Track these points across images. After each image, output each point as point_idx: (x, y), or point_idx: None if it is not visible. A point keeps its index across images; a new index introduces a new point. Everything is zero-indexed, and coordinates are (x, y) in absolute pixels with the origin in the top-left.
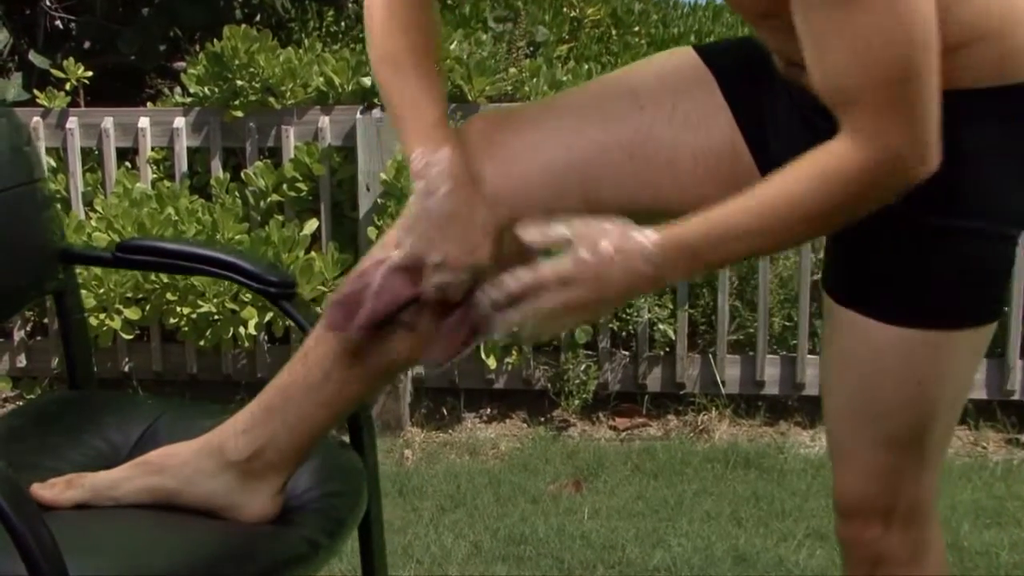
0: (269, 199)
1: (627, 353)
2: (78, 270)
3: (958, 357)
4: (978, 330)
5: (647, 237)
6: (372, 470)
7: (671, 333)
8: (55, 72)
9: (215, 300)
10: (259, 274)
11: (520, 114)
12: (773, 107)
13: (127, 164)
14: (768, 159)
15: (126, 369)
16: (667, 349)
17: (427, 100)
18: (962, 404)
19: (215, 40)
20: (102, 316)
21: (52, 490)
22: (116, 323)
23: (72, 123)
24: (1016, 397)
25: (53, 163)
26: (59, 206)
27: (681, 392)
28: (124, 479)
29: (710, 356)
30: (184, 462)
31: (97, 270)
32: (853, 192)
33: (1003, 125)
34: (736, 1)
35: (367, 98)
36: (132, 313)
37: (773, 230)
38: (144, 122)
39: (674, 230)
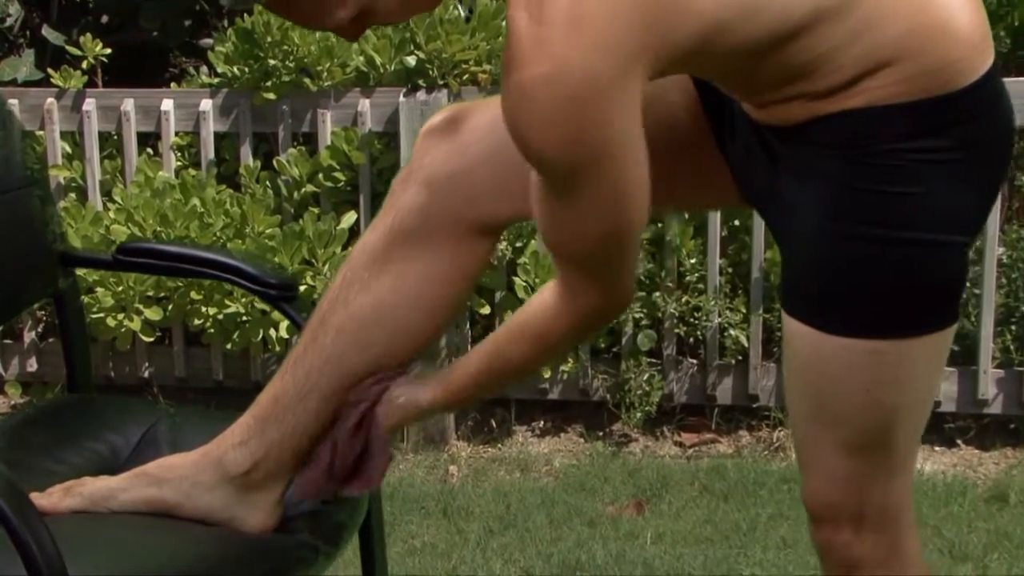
0: (303, 190)
1: (695, 361)
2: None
3: (909, 364)
4: (928, 337)
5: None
6: None
7: (744, 339)
8: (71, 49)
9: (243, 300)
10: (259, 277)
11: (491, 111)
12: (731, 108)
13: (149, 151)
14: (728, 155)
15: (146, 374)
16: (739, 357)
17: None
18: (927, 409)
19: (245, 15)
20: (120, 316)
21: (50, 498)
22: (135, 324)
23: (89, 105)
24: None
25: (68, 149)
26: (74, 196)
27: (755, 405)
28: (121, 489)
29: None
30: (183, 475)
31: None
32: (562, 343)
33: (932, 137)
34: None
35: (411, 79)
36: (153, 313)
37: (490, 385)
38: (167, 105)
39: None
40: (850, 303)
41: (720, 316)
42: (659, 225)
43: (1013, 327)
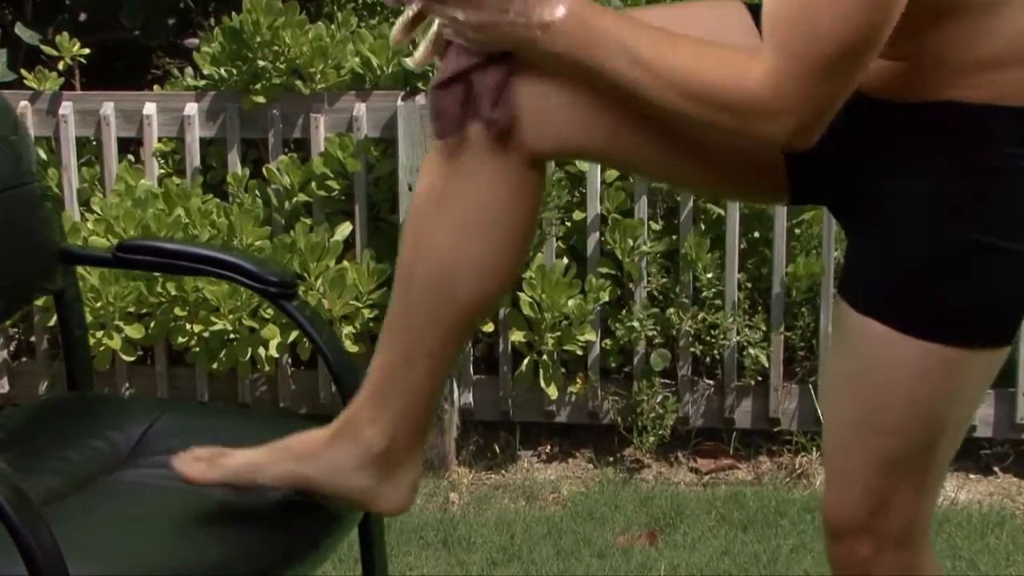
0: (295, 199)
1: (711, 382)
2: None
3: (973, 377)
4: (996, 351)
5: None
6: None
7: (764, 359)
8: (46, 49)
9: (231, 316)
10: (259, 274)
11: None
12: None
13: (130, 157)
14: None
15: (126, 396)
16: (759, 378)
17: None
18: (966, 428)
19: (233, 13)
20: (99, 334)
21: (196, 467)
22: (116, 342)
23: (66, 109)
24: None
25: (43, 155)
26: (50, 205)
27: (775, 429)
28: (267, 463)
29: (810, 387)
30: (326, 453)
31: (94, 281)
32: (732, 105)
33: None
34: None
35: (409, 82)
36: (134, 331)
37: (658, 68)
38: (150, 108)
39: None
40: (939, 306)
41: (738, 334)
42: (673, 238)
43: None
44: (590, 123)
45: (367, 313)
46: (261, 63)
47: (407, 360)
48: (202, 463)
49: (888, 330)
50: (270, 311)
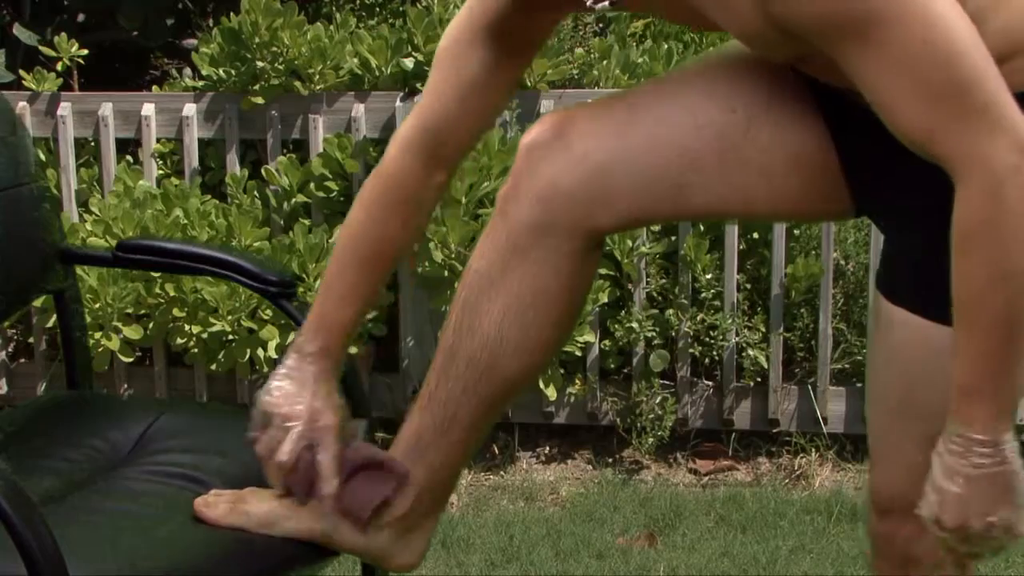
0: (294, 200)
1: (710, 383)
2: None
3: None
4: None
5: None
6: None
7: (763, 360)
8: (44, 50)
9: (229, 317)
10: (259, 273)
11: (600, 117)
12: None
13: (128, 158)
14: (852, 157)
15: (124, 397)
16: (758, 379)
17: (351, 299)
18: None
19: (232, 14)
20: (98, 335)
21: (215, 512)
22: (114, 343)
23: (64, 109)
24: None
25: (42, 156)
26: (48, 206)
27: (775, 430)
28: (286, 517)
29: (809, 388)
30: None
31: (93, 282)
32: (1002, 232)
33: None
34: (764, 49)
35: (408, 83)
36: (132, 332)
37: (991, 343)
38: (148, 109)
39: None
40: None
41: (737, 335)
42: (672, 239)
43: None
44: (659, 194)
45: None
46: (260, 64)
47: (441, 430)
48: (222, 508)
49: (924, 321)
50: (269, 312)
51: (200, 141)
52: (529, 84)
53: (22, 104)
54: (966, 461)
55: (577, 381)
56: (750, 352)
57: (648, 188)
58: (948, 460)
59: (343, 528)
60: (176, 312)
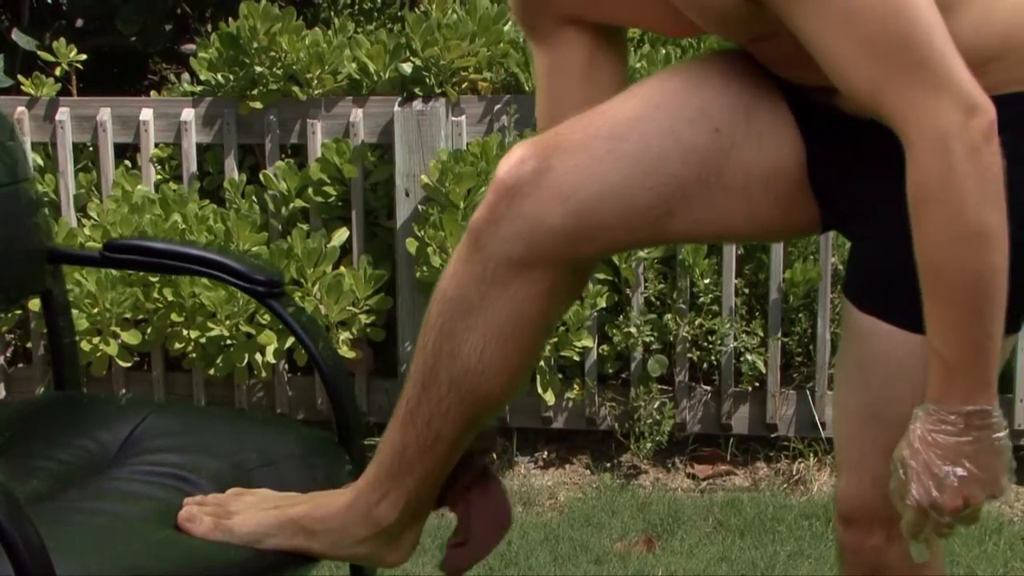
0: (292, 205)
1: (709, 388)
2: (68, 287)
3: None
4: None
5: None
6: (360, 470)
7: (761, 365)
8: (43, 55)
9: (227, 322)
10: (245, 272)
11: (584, 150)
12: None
13: (126, 163)
14: (815, 159)
15: (123, 402)
16: (756, 384)
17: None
18: None
19: (230, 19)
20: (96, 340)
21: (200, 528)
22: (112, 348)
23: (63, 114)
24: None
25: (40, 161)
26: (46, 210)
27: (773, 435)
28: (273, 533)
29: (807, 392)
30: (334, 529)
31: (91, 287)
32: (953, 192)
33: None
34: (722, 27)
35: (406, 88)
36: (131, 337)
37: (961, 310)
38: (146, 114)
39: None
40: None
41: (736, 340)
42: (671, 244)
43: None
44: (642, 223)
45: (364, 319)
46: (258, 69)
47: (425, 447)
48: (207, 523)
49: (892, 327)
50: (267, 317)
51: (198, 146)
52: (527, 88)
53: (21, 109)
54: (967, 438)
55: (575, 386)
56: (748, 357)
57: (633, 220)
58: (944, 441)
59: (325, 540)
60: (174, 317)
